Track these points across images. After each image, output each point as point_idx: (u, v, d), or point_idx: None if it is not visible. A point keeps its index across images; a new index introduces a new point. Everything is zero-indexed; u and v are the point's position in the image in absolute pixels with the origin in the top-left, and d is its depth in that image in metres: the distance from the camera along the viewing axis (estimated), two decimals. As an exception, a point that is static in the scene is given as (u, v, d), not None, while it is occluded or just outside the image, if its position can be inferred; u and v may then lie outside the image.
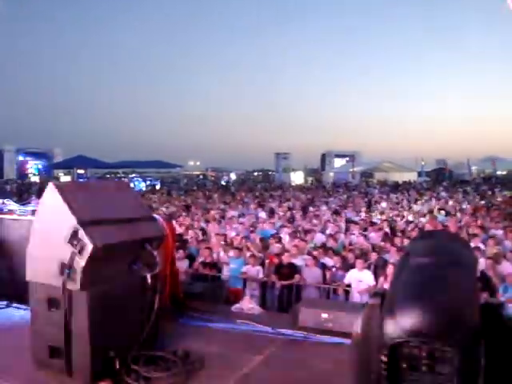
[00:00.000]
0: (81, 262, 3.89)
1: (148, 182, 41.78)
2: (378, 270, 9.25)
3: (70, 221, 3.93)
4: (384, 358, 1.54)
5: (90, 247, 3.84)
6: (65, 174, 45.19)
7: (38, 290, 4.27)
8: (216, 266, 10.17)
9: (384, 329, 1.54)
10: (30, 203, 6.48)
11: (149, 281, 4.30)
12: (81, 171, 41.05)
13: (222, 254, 10.72)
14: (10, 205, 6.41)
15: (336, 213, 17.33)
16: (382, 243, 11.33)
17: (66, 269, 3.93)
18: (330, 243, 11.28)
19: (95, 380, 3.97)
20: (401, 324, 1.50)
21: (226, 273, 9.73)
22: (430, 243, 1.91)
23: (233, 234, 12.63)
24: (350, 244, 11.55)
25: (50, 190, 4.17)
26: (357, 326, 1.79)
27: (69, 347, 4.05)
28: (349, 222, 14.78)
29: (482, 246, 10.04)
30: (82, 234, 3.88)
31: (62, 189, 4.14)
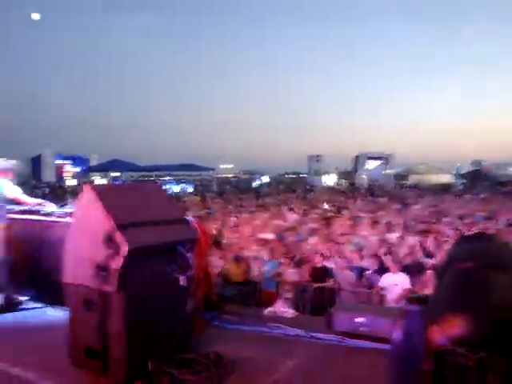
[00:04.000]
0: (116, 264, 3.91)
1: (181, 185, 42.19)
2: (414, 273, 9.07)
3: (106, 223, 3.96)
4: (429, 367, 1.47)
5: (125, 249, 3.86)
6: (101, 178, 46.17)
7: (75, 292, 4.32)
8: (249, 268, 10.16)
9: (428, 336, 1.47)
10: (66, 205, 6.59)
11: (183, 283, 4.29)
12: (116, 174, 41.75)
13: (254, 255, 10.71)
14: (48, 207, 6.53)
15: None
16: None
17: (102, 271, 3.96)
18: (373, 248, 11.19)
19: (130, 381, 3.99)
20: (446, 332, 1.43)
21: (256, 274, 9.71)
22: (473, 247, 1.82)
23: (268, 236, 12.59)
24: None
25: (86, 192, 4.23)
26: (397, 331, 1.72)
27: (105, 348, 4.08)
28: (385, 224, 14.57)
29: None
30: (117, 235, 3.90)
31: (98, 191, 4.18)
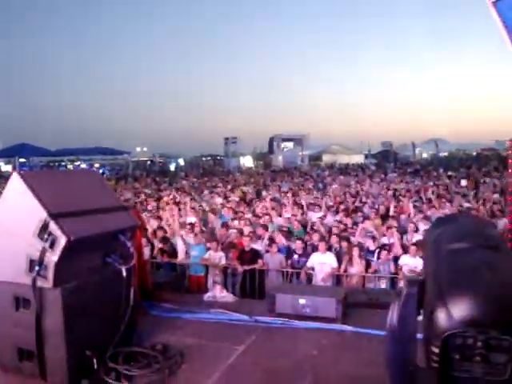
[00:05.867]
0: (53, 258, 3.61)
1: (95, 170, 40.38)
2: (340, 252, 9.33)
3: (39, 213, 3.63)
4: (436, 350, 1.45)
5: (62, 241, 3.57)
6: (5, 163, 42.85)
7: (3, 290, 3.95)
8: (175, 253, 9.95)
9: (435, 319, 1.45)
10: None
11: (124, 274, 4.06)
12: (23, 160, 38.93)
13: (179, 240, 10.49)
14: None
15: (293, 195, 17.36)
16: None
17: (36, 265, 3.64)
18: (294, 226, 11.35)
19: (73, 381, 3.73)
20: (454, 314, 1.41)
21: (181, 259, 9.57)
22: (460, 227, 1.83)
23: (192, 219, 12.33)
24: (312, 227, 11.57)
25: (15, 181, 3.83)
26: (392, 315, 1.69)
27: (41, 349, 3.77)
28: (306, 205, 14.83)
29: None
30: (53, 226, 3.59)
31: (29, 179, 3.81)
